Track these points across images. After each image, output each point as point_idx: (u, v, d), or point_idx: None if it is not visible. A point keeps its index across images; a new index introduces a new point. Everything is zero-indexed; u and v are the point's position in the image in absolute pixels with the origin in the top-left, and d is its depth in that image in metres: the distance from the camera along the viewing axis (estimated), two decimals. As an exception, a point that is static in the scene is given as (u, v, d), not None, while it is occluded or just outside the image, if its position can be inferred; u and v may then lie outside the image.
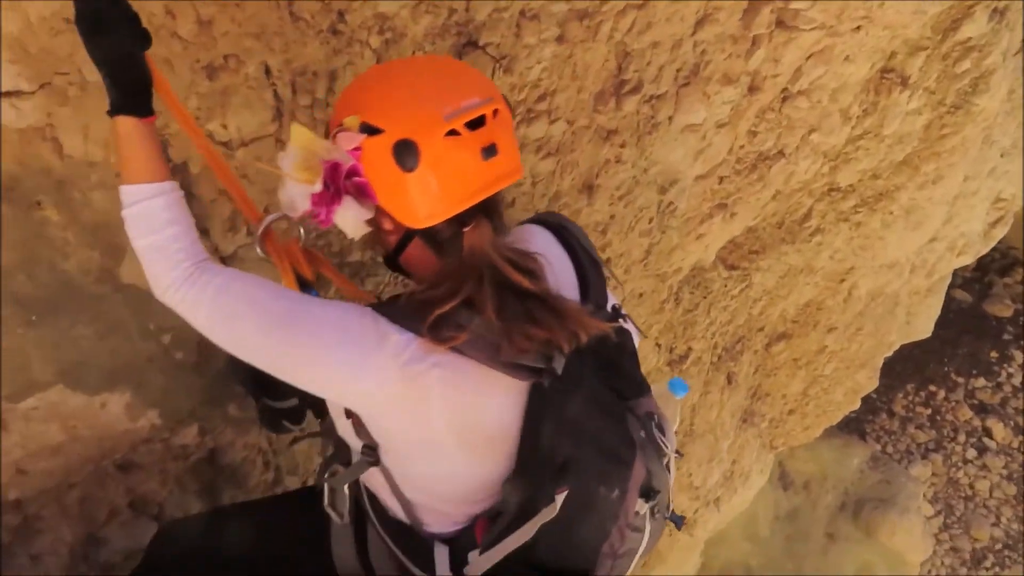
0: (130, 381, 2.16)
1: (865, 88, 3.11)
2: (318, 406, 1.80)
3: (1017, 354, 13.69)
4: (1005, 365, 13.73)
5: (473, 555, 1.41)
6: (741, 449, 5.08)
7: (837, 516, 11.16)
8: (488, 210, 1.40)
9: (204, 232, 2.27)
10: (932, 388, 13.73)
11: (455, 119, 1.29)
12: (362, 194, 1.34)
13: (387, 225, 1.40)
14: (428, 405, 1.34)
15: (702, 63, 2.47)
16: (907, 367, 12.86)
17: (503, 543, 1.38)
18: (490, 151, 1.33)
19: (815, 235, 4.14)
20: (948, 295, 6.38)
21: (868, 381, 5.76)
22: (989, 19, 3.26)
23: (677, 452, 1.56)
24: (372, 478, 1.56)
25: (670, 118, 2.57)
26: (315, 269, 1.75)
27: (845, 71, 2.85)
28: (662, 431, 1.50)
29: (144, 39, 1.37)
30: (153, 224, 1.37)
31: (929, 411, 13.55)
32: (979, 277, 14.43)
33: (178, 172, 2.15)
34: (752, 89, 2.66)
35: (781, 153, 3.04)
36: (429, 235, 1.38)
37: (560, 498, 1.35)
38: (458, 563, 1.46)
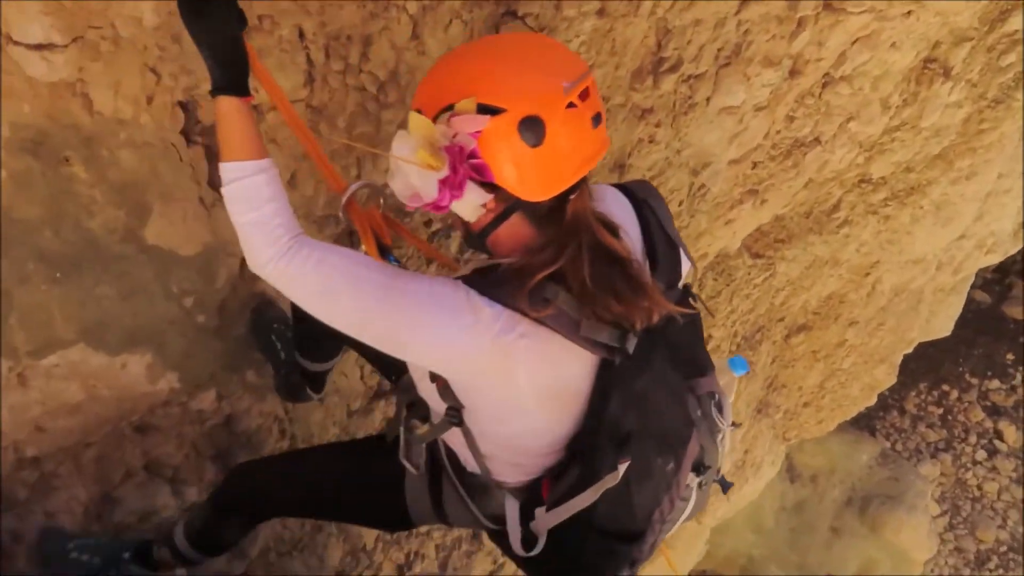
0: (151, 343, 2.14)
1: (907, 77, 3.03)
2: (395, 364, 1.84)
3: (1033, 357, 13.54)
4: (1020, 368, 13.61)
5: (540, 511, 1.55)
6: (754, 439, 5.05)
7: (843, 511, 11.13)
8: (586, 176, 1.42)
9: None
10: (945, 388, 13.65)
11: (572, 91, 1.30)
12: (481, 175, 1.33)
13: (490, 204, 1.40)
14: (515, 372, 1.41)
15: (744, 43, 2.40)
16: (921, 365, 12.76)
17: (568, 504, 1.50)
18: (597, 119, 1.36)
19: (843, 227, 4.07)
20: (967, 295, 6.29)
21: (886, 377, 5.70)
22: (1038, 12, 3.16)
23: (733, 424, 1.65)
24: (451, 436, 1.64)
25: (708, 99, 2.50)
26: (394, 234, 1.83)
27: (890, 58, 2.77)
28: (720, 409, 1.57)
29: (242, 19, 1.42)
30: (255, 201, 1.39)
31: (941, 410, 13.48)
32: (999, 279, 14.25)
33: (207, 135, 2.13)
34: (793, 72, 2.59)
35: (817, 140, 2.97)
36: (532, 208, 1.39)
37: (623, 467, 1.44)
38: (526, 517, 1.59)
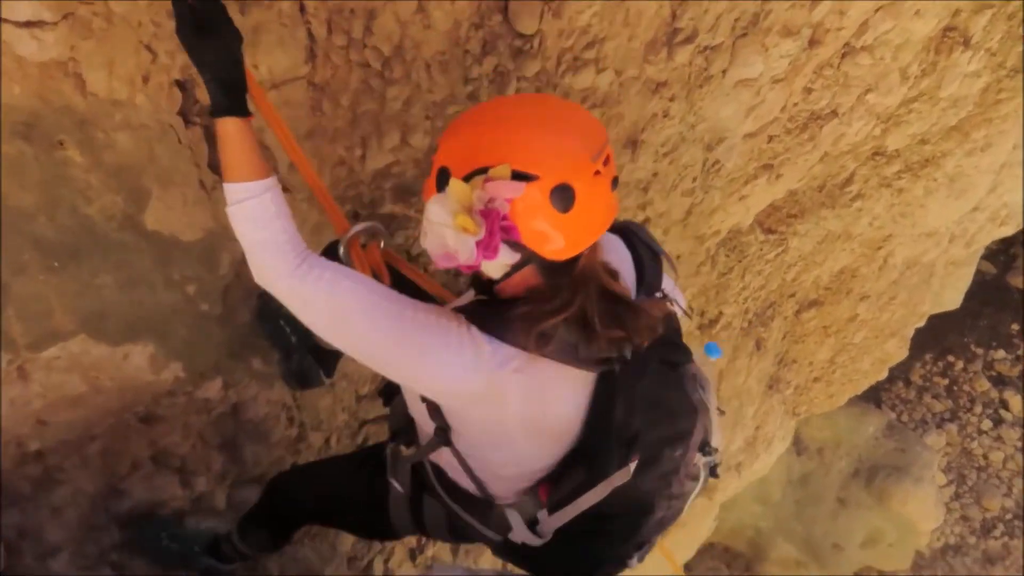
0: (154, 332, 2.08)
1: (926, 47, 2.92)
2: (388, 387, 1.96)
3: (1038, 327, 13.51)
4: (1025, 338, 13.56)
5: (542, 514, 1.63)
6: (765, 415, 5.00)
7: (850, 482, 11.15)
8: None
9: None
10: (950, 358, 13.64)
11: (598, 159, 1.36)
12: (510, 235, 1.38)
13: (516, 255, 1.43)
14: (505, 404, 1.48)
15: (762, 12, 2.30)
16: (926, 337, 12.69)
17: (575, 503, 1.59)
18: (615, 182, 1.43)
19: (856, 200, 3.98)
20: (972, 266, 6.25)
21: (897, 351, 5.64)
22: (1059, -23, 3.05)
23: (719, 410, 1.73)
24: (441, 456, 1.71)
25: (724, 71, 2.41)
26: (393, 269, 1.91)
27: (912, 27, 2.67)
28: (704, 389, 1.66)
29: (240, 38, 1.43)
30: (263, 219, 1.42)
31: (946, 381, 13.48)
32: (1004, 249, 14.16)
33: (206, 115, 2.06)
34: (813, 42, 2.49)
35: (834, 113, 2.87)
36: (548, 262, 1.43)
37: (633, 465, 1.54)
38: (531, 522, 1.67)
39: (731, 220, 3.22)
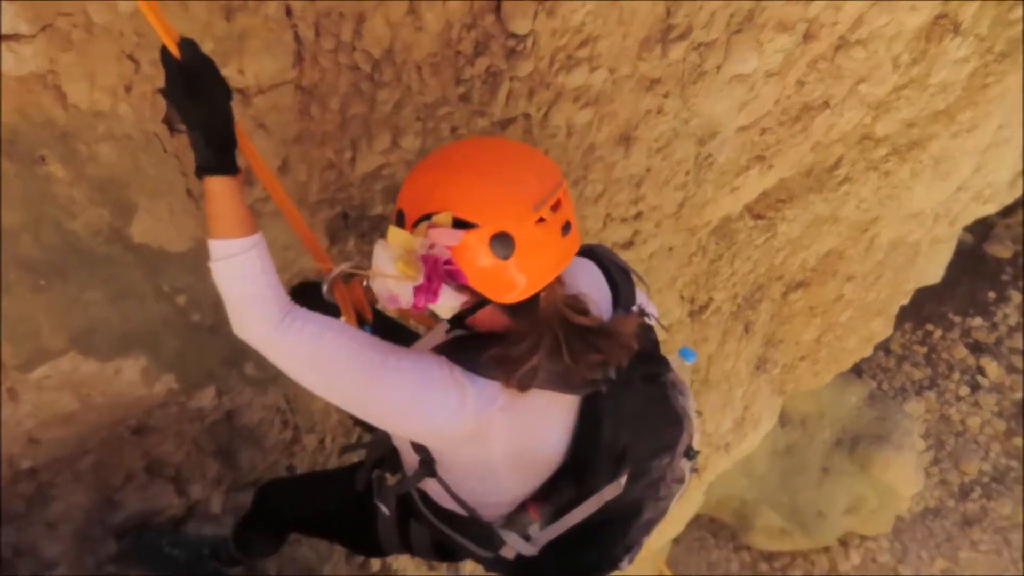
0: (145, 345, 2.05)
1: (918, 35, 2.91)
2: None
3: (1015, 294, 13.72)
4: (1002, 305, 13.79)
5: (533, 529, 1.65)
6: (753, 396, 5.04)
7: (833, 451, 11.32)
8: None
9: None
10: (929, 327, 13.83)
11: (542, 207, 1.39)
12: (453, 279, 1.42)
13: (465, 300, 1.47)
14: (490, 442, 1.50)
15: (757, 8, 2.27)
16: (906, 306, 12.87)
17: (566, 517, 1.63)
18: (566, 228, 1.45)
19: (843, 184, 3.98)
20: (952, 237, 6.31)
21: (883, 329, 5.70)
22: (1048, -41, 3.03)
23: (697, 412, 1.82)
24: (427, 484, 1.73)
25: (718, 67, 2.38)
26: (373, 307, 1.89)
27: (907, 19, 2.65)
28: (683, 395, 1.73)
29: (230, 95, 1.42)
30: (250, 276, 1.42)
31: (925, 349, 13.69)
32: (981, 218, 14.30)
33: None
34: (808, 37, 2.46)
35: (826, 104, 2.85)
36: (503, 304, 1.46)
37: (623, 479, 1.60)
38: (523, 537, 1.67)
39: (722, 211, 3.21)
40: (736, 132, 2.69)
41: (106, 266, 1.90)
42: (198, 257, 2.12)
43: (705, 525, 11.85)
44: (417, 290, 1.41)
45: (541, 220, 1.39)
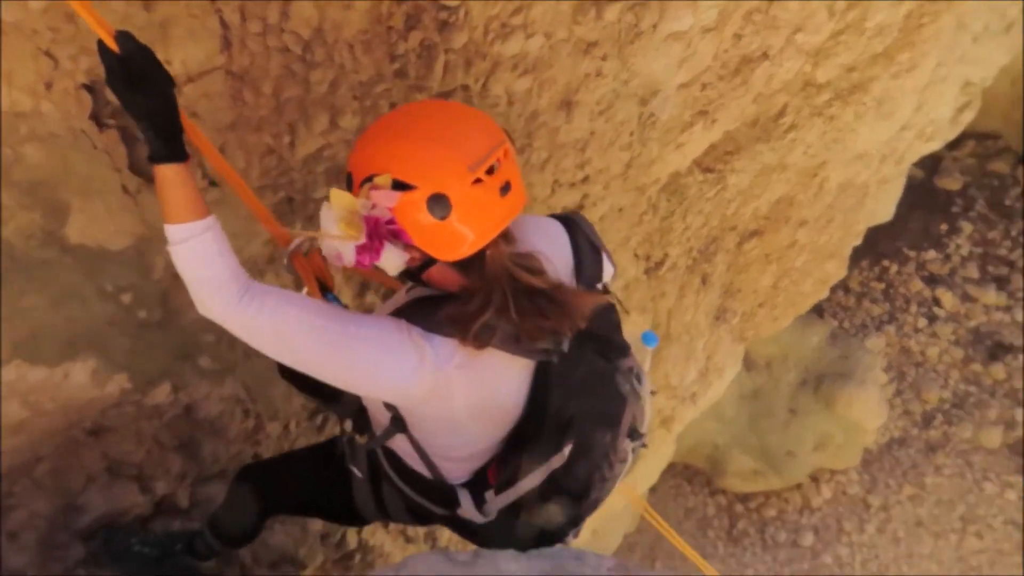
0: (93, 347, 2.02)
1: (851, -21, 2.93)
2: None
3: (966, 225, 14.02)
4: (954, 237, 14.07)
5: (489, 494, 1.75)
6: (715, 346, 5.12)
7: (798, 392, 11.58)
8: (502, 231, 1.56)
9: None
10: (885, 263, 14.08)
11: (478, 168, 1.45)
12: (398, 239, 1.50)
13: (413, 256, 1.55)
14: (452, 396, 1.58)
15: (688, -36, 2.27)
16: (862, 244, 13.03)
17: (516, 486, 1.72)
18: (505, 188, 1.50)
19: (789, 132, 4.01)
20: (902, 173, 6.41)
21: (837, 270, 5.80)
22: None
23: (652, 392, 1.87)
24: (397, 444, 1.81)
25: (654, 26, 2.37)
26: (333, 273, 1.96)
27: (839, -37, 2.66)
28: (639, 380, 1.79)
29: (172, 82, 1.45)
30: (207, 258, 1.47)
31: (883, 285, 13.94)
32: (930, 152, 14.51)
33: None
34: (741, -11, 2.47)
35: (765, 55, 2.86)
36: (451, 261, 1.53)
37: (568, 449, 1.68)
38: (479, 501, 1.78)
39: (669, 168, 3.22)
40: (677, 89, 2.70)
41: (43, 270, 1.86)
42: (140, 253, 2.08)
43: (680, 473, 12.09)
44: (359, 249, 1.49)
45: (478, 181, 1.44)
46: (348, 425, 1.98)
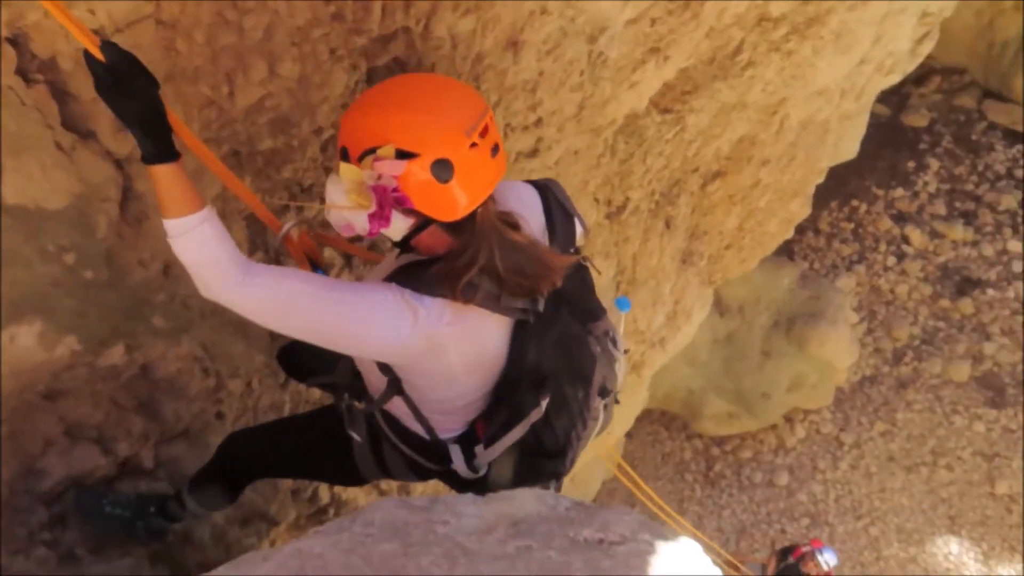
0: (38, 309, 1.99)
1: (799, -94, 2.88)
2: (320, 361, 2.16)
3: (933, 162, 14.12)
4: (921, 174, 14.18)
5: (479, 449, 1.88)
6: (682, 290, 5.16)
7: (771, 334, 11.74)
8: None
9: (91, 134, 2.04)
10: (854, 203, 14.17)
11: (472, 133, 1.59)
12: (402, 205, 1.62)
13: (414, 220, 1.67)
14: (446, 353, 1.72)
15: None
16: (830, 185, 13.07)
17: (502, 440, 1.86)
18: (495, 150, 1.66)
19: (747, 69, 3.99)
20: (867, 110, 6.40)
21: (801, 209, 5.84)
22: None
23: (625, 351, 2.02)
24: (394, 405, 1.92)
25: (596, -41, 2.33)
26: (324, 248, 2.13)
27: None
28: (614, 343, 1.95)
29: (157, 84, 1.51)
30: (206, 246, 1.56)
31: (852, 225, 14.05)
32: (896, 88, 14.51)
33: (48, 70, 1.89)
34: (684, -80, 2.42)
35: (714, -13, 2.84)
36: (444, 222, 1.66)
37: (544, 403, 1.82)
38: (469, 456, 1.91)
39: (625, 108, 3.20)
40: (625, 26, 2.66)
41: (-21, 233, 1.82)
42: (81, 212, 2.04)
43: (657, 419, 12.28)
44: (371, 217, 1.61)
45: (474, 145, 1.59)
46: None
